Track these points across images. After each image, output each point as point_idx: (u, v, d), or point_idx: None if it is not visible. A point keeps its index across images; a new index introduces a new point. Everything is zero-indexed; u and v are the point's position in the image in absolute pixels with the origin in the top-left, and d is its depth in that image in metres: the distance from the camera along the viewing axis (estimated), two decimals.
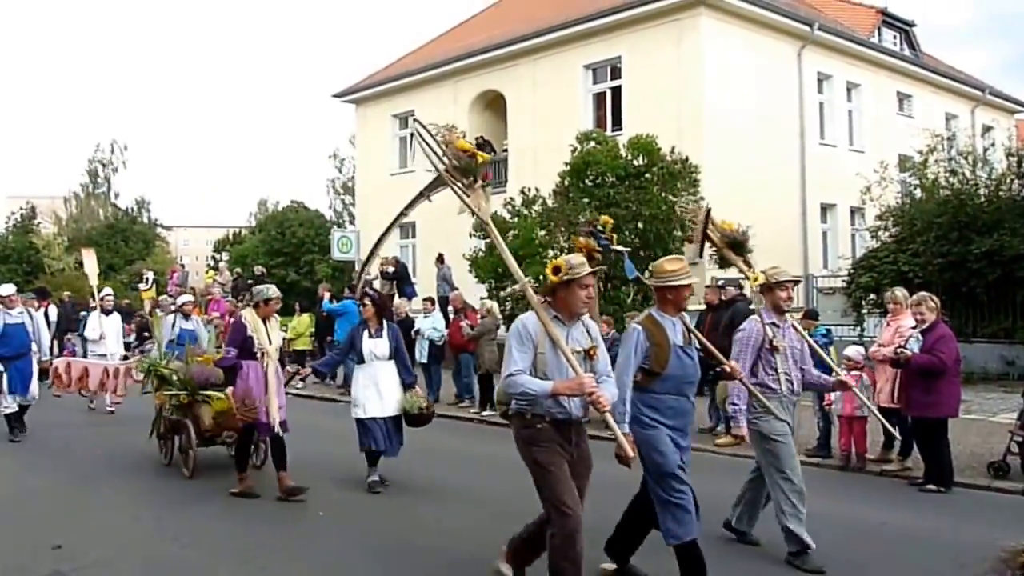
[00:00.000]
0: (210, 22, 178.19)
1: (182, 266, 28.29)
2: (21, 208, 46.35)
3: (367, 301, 8.05)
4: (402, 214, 5.83)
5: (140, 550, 5.90)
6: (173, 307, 12.55)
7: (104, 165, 49.55)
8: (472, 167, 5.16)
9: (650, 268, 5.34)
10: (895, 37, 24.44)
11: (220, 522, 6.57)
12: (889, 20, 24.22)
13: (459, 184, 5.15)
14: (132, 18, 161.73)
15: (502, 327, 13.14)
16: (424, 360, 13.16)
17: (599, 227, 5.46)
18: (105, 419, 12.05)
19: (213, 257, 46.06)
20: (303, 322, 16.44)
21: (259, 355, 7.13)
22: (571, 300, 4.49)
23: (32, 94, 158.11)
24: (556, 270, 4.54)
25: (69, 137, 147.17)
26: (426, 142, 5.40)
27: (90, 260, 13.87)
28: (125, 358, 12.07)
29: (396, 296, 19.36)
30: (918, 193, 16.76)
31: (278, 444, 7.18)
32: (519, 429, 4.45)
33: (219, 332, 11.34)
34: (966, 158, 16.49)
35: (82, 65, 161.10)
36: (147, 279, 20.51)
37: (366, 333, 7.74)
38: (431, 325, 13.34)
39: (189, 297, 12.05)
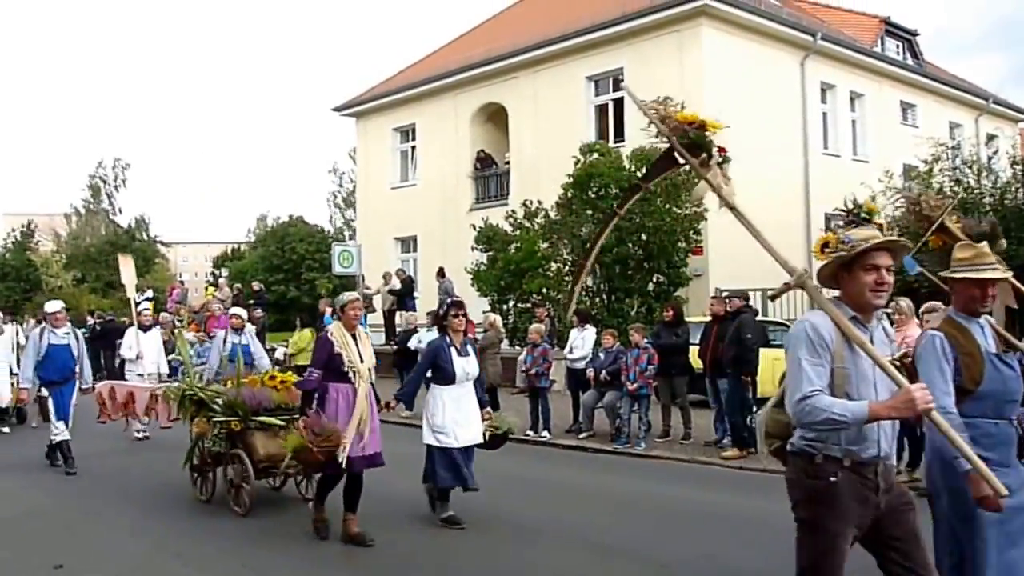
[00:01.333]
0: (207, 37, 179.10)
1: (181, 283, 28.17)
2: (22, 226, 46.34)
3: (461, 313, 6.94)
4: (615, 215, 4.20)
5: (141, 570, 5.79)
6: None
7: (105, 182, 49.59)
8: (704, 141, 4.00)
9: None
10: (898, 46, 24.38)
11: (225, 542, 6.40)
12: (892, 29, 24.16)
13: (699, 161, 3.94)
14: (129, 33, 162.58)
15: (505, 341, 12.99)
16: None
17: (861, 210, 3.60)
18: (136, 446, 11.06)
19: (212, 273, 46.00)
20: (304, 337, 16.22)
21: (350, 375, 6.16)
22: (856, 289, 3.34)
23: (27, 111, 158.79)
24: (825, 246, 3.43)
25: (65, 154, 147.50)
26: (647, 114, 4.17)
27: (127, 268, 12.27)
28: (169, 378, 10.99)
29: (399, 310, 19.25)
30: None
31: (354, 482, 6.25)
32: (804, 477, 3.27)
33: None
34: (971, 167, 16.38)
35: (77, 80, 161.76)
36: (147, 296, 20.36)
37: (453, 351, 6.76)
38: (429, 339, 13.14)
39: (239, 310, 10.77)
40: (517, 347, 16.13)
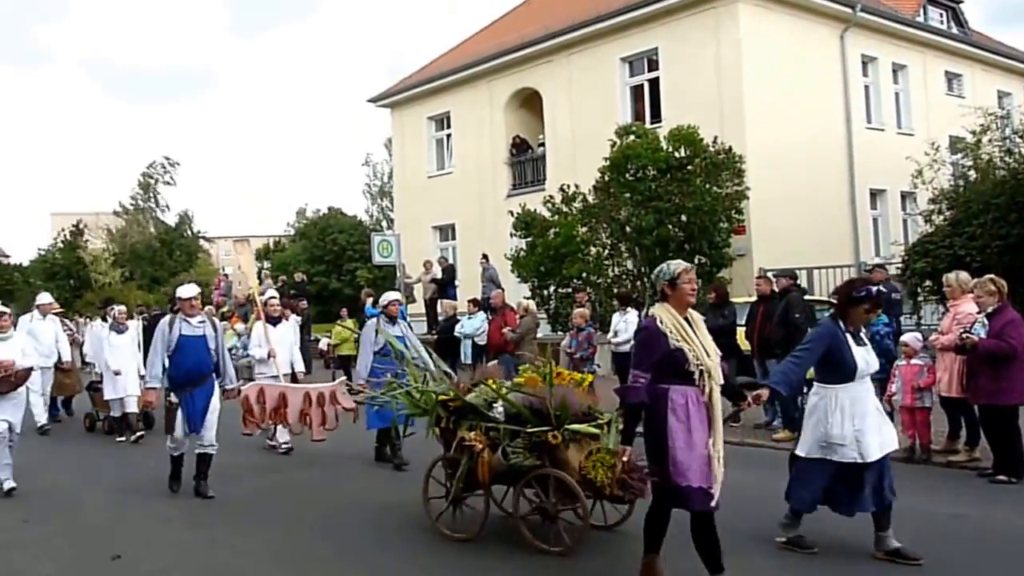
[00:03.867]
0: (241, 33, 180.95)
1: (225, 276, 28.60)
2: (72, 226, 47.33)
3: (875, 293, 5.57)
4: None
5: (197, 560, 5.87)
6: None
7: (155, 180, 50.45)
8: None
9: None
10: (941, 15, 23.74)
11: (281, 533, 6.45)
12: None
13: None
14: (165, 30, 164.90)
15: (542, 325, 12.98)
16: (468, 361, 13.07)
17: None
18: (276, 460, 9.51)
19: (255, 266, 46.59)
20: (348, 325, 16.37)
21: (697, 376, 4.56)
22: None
23: (70, 112, 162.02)
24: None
25: (111, 153, 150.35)
26: None
27: (245, 256, 11.55)
28: (294, 379, 9.80)
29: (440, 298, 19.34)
30: (972, 175, 16.22)
31: (703, 525, 4.60)
32: None
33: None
34: (1022, 136, 15.89)
35: (112, 79, 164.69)
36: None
37: (849, 337, 5.39)
38: (475, 327, 13.21)
39: (396, 295, 9.56)
40: (559, 332, 16.11)
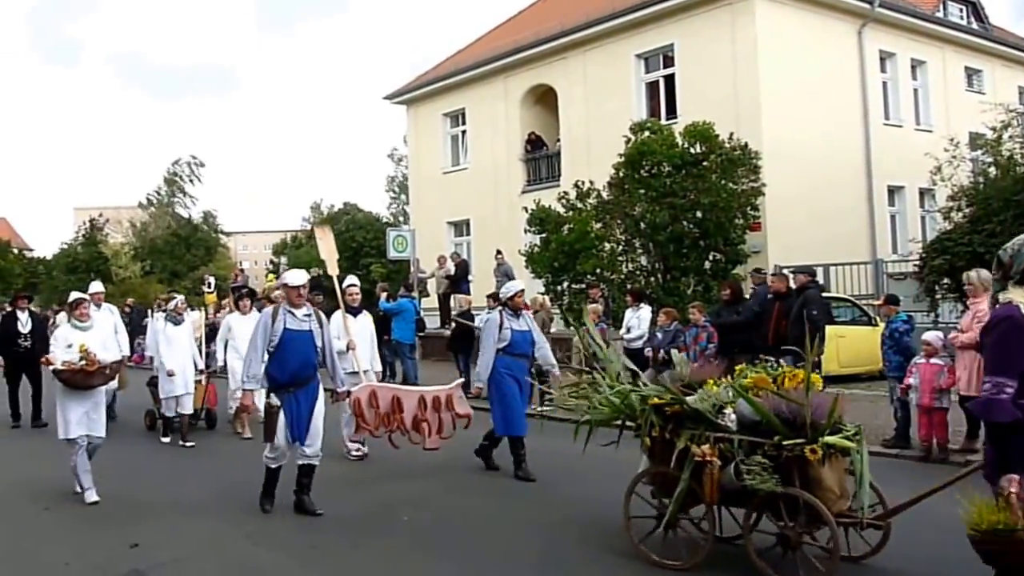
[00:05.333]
0: (264, 31, 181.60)
1: (242, 270, 28.69)
2: (91, 219, 47.71)
3: None
4: None
5: (216, 549, 5.92)
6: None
7: (180, 178, 50.79)
8: None
9: None
10: (961, 10, 23.46)
11: (296, 523, 6.50)
12: None
13: None
14: (183, 28, 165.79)
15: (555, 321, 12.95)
16: None
17: None
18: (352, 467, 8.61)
19: (272, 261, 46.83)
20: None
21: None
22: None
23: (96, 106, 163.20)
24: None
25: (132, 148, 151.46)
26: None
27: (326, 241, 9.03)
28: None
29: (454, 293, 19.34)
30: (992, 171, 16.04)
31: None
32: None
33: None
34: None
35: (139, 75, 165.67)
36: (209, 283, 20.81)
37: None
38: None
39: (519, 285, 8.47)
40: (572, 328, 16.06)
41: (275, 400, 6.51)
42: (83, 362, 7.06)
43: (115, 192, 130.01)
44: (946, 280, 14.65)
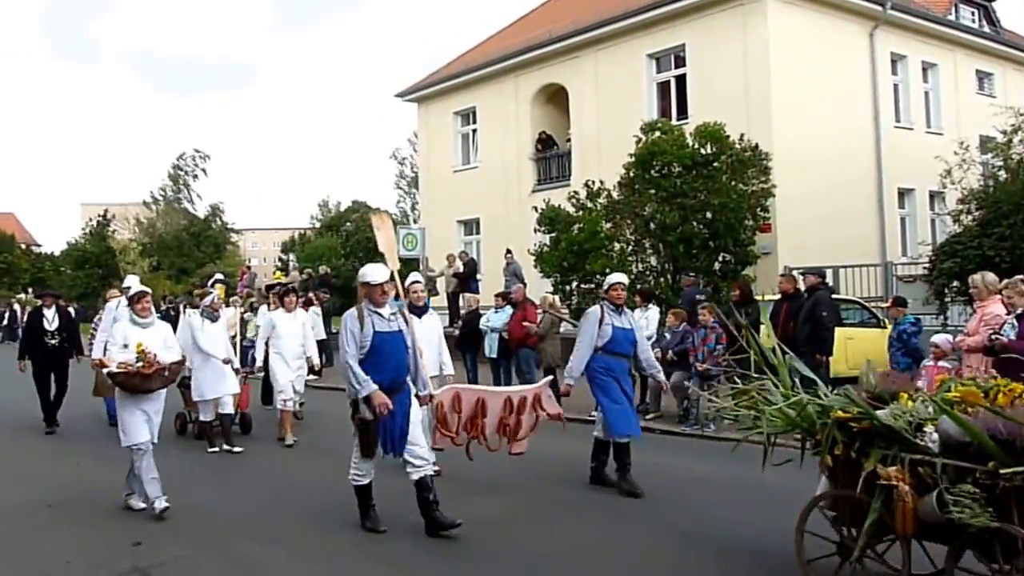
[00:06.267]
0: (270, 28, 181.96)
1: (249, 267, 28.86)
2: (99, 215, 47.95)
3: None
4: None
5: (218, 547, 5.91)
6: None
7: (184, 172, 51.02)
8: None
9: None
10: (973, 13, 23.41)
11: (300, 520, 6.50)
12: None
13: None
14: (194, 25, 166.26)
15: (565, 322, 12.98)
16: (493, 355, 13.10)
17: None
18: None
19: (280, 258, 46.97)
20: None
21: None
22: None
23: (108, 102, 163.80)
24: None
25: (143, 144, 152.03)
26: None
27: (385, 231, 7.78)
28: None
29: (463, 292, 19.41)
30: (1002, 175, 16.01)
31: None
32: None
33: None
34: None
35: (153, 72, 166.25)
36: (217, 280, 20.92)
37: None
38: (503, 320, 13.20)
39: (617, 276, 7.75)
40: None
41: (367, 412, 5.85)
42: (140, 364, 6.48)
43: (124, 188, 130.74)
44: (955, 283, 14.65)
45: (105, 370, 6.62)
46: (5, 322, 34.95)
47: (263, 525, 6.41)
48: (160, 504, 6.49)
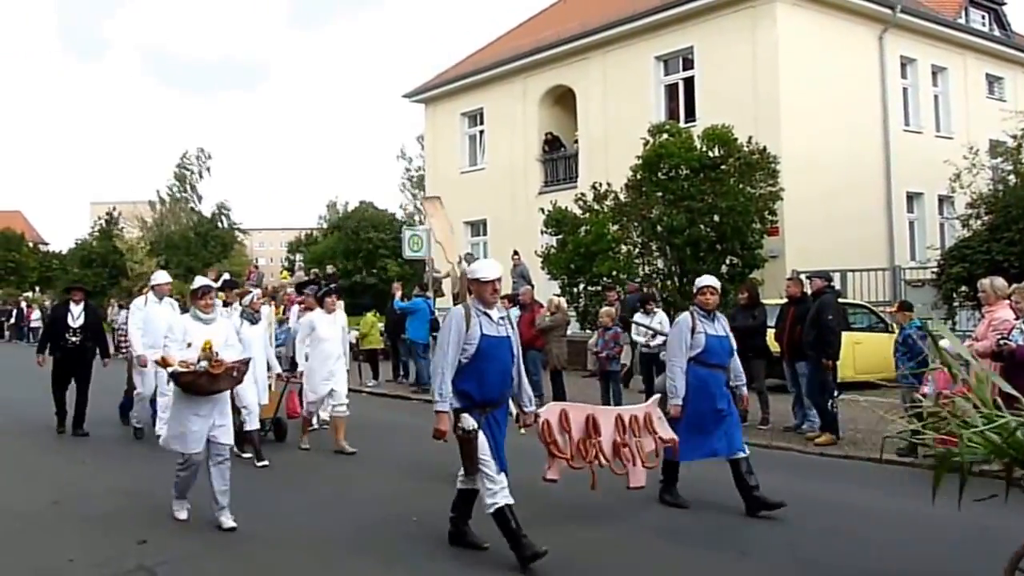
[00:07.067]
0: (279, 28, 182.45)
1: (256, 267, 28.86)
2: (106, 213, 48.05)
3: None
4: None
5: (225, 547, 5.88)
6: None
7: (190, 171, 51.11)
8: None
9: None
10: (983, 17, 23.34)
11: (307, 521, 6.49)
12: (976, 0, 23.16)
13: None
14: (202, 25, 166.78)
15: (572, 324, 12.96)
16: None
17: None
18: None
19: (287, 258, 47.01)
20: (367, 321, 16.45)
21: None
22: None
23: (120, 100, 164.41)
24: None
25: (154, 142, 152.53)
26: None
27: (438, 219, 6.31)
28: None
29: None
30: (1012, 179, 15.95)
31: None
32: None
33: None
34: None
35: (166, 70, 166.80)
36: (222, 279, 20.95)
37: None
38: None
39: (707, 279, 6.90)
40: (588, 330, 16.08)
41: (470, 422, 5.14)
42: (205, 363, 6.01)
43: (133, 187, 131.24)
44: (964, 288, 14.60)
45: (169, 370, 6.10)
46: (12, 320, 35.16)
47: (268, 523, 6.37)
48: (228, 522, 6.09)
